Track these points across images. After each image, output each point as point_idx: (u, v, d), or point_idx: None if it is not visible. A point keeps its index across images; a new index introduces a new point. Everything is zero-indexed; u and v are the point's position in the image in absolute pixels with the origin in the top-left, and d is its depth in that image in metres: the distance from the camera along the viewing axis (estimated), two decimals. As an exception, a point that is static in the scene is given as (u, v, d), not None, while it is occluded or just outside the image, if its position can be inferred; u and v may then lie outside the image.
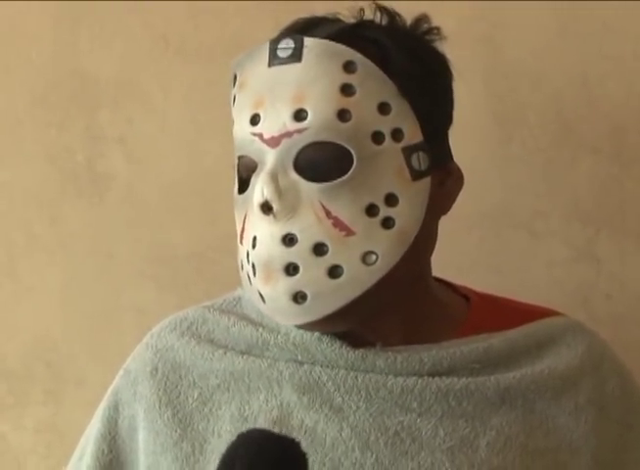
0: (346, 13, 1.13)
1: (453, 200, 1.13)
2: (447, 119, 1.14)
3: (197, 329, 1.17)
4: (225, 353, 1.14)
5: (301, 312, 1.05)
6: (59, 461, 1.60)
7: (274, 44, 1.07)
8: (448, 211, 1.13)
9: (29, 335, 1.63)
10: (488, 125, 1.52)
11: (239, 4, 1.57)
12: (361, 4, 1.14)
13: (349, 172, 1.04)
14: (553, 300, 1.47)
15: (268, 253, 1.05)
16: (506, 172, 1.53)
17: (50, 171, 1.61)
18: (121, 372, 1.20)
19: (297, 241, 1.04)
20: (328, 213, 1.04)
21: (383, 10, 1.13)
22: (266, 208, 1.04)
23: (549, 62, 1.53)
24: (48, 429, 1.63)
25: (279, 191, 1.04)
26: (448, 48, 1.14)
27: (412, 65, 1.08)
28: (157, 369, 1.16)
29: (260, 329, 1.14)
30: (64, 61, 1.60)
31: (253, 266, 1.06)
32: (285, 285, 1.04)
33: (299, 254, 1.04)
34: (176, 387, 1.15)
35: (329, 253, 1.04)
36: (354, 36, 1.08)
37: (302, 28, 1.09)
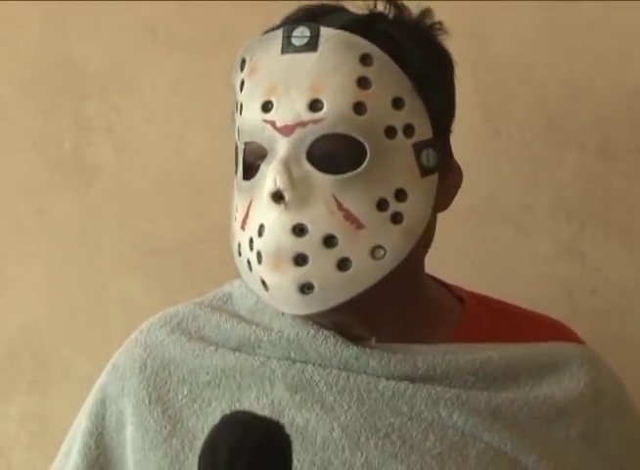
0: (355, 4, 1.12)
1: (453, 196, 1.13)
2: (452, 115, 1.14)
3: (187, 325, 1.17)
4: (216, 350, 1.13)
5: (306, 303, 1.04)
6: (42, 451, 1.61)
7: (288, 31, 1.06)
8: (448, 206, 1.13)
9: (15, 325, 1.63)
10: (476, 120, 1.53)
11: (228, -5, 1.57)
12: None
13: (363, 165, 1.04)
14: (538, 294, 1.48)
15: (277, 242, 1.04)
16: (493, 167, 1.54)
17: (37, 161, 1.61)
18: (109, 367, 1.19)
19: (307, 232, 1.03)
20: (340, 206, 1.04)
21: (391, 2, 1.12)
22: (278, 197, 1.03)
23: (536, 57, 1.53)
24: (32, 418, 1.63)
25: (292, 181, 1.03)
26: (436, 42, 1.15)
27: (425, 61, 1.08)
28: (146, 365, 1.15)
29: (253, 326, 1.13)
30: (52, 50, 1.60)
31: (259, 254, 1.05)
32: (293, 275, 1.04)
33: (309, 245, 1.03)
34: (166, 383, 1.14)
35: (339, 245, 1.04)
36: (369, 29, 1.07)
37: (313, 16, 1.08)
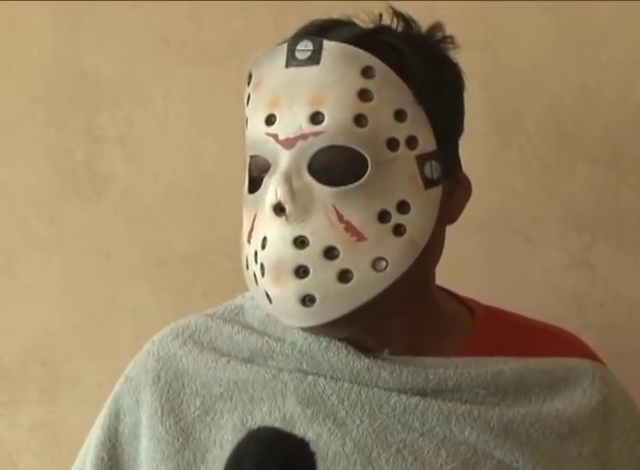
0: (363, 16, 1.13)
1: (461, 209, 1.13)
2: (459, 129, 1.14)
3: (199, 337, 1.17)
4: (229, 362, 1.13)
5: (309, 315, 1.05)
6: (52, 459, 1.61)
7: (292, 45, 1.06)
8: (456, 220, 1.13)
9: (26, 333, 1.63)
10: (486, 132, 1.53)
11: (240, 5, 1.57)
12: (375, 6, 1.14)
13: (364, 177, 1.04)
14: (548, 306, 1.48)
15: (278, 254, 1.04)
16: (503, 179, 1.54)
17: (49, 171, 1.61)
18: (122, 379, 1.19)
19: (308, 244, 1.04)
20: (340, 218, 1.04)
21: (399, 16, 1.12)
22: (279, 209, 1.03)
23: (547, 69, 1.53)
24: (42, 427, 1.63)
25: (292, 193, 1.03)
26: (446, 54, 1.15)
27: (429, 73, 1.07)
28: (159, 377, 1.15)
29: (266, 337, 1.13)
30: (64, 60, 1.60)
31: (262, 266, 1.06)
32: (294, 287, 1.04)
33: (310, 257, 1.04)
34: (179, 395, 1.14)
35: (339, 257, 1.04)
36: (373, 41, 1.07)
37: (320, 30, 1.09)
